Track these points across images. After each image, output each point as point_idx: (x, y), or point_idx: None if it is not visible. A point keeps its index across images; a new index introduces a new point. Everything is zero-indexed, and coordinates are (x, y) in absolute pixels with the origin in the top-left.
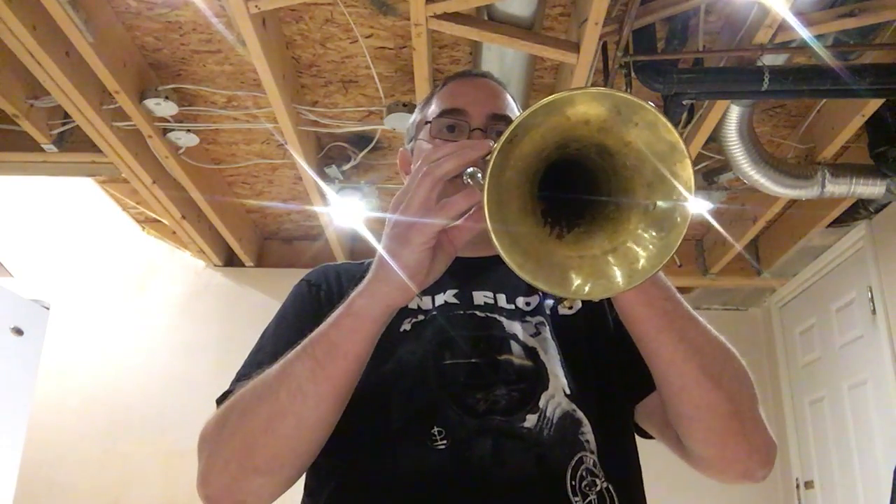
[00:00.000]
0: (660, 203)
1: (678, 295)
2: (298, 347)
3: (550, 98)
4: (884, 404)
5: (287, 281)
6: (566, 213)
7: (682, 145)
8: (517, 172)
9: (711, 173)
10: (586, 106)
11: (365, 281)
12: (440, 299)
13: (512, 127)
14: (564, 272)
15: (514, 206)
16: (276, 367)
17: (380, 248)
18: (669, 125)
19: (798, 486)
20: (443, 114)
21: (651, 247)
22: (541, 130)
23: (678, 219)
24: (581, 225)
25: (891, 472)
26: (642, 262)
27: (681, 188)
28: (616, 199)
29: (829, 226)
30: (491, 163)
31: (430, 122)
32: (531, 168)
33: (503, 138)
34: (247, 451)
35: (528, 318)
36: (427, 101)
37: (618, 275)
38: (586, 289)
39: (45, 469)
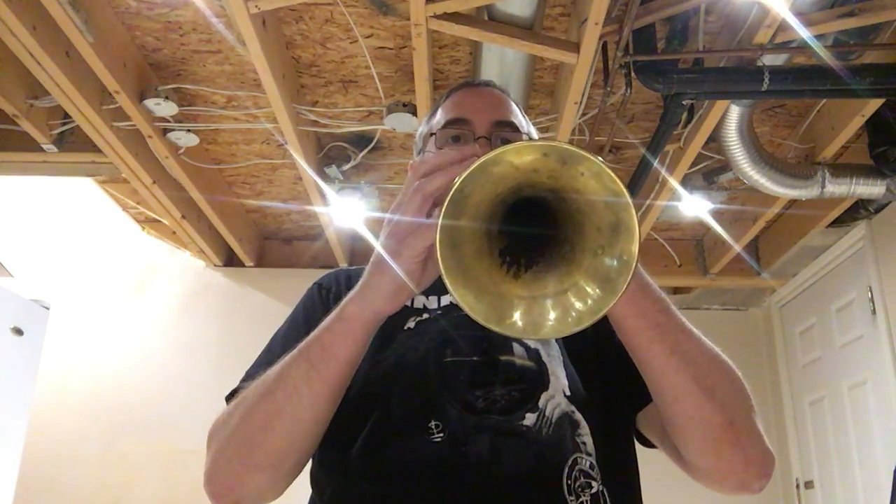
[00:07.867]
0: (606, 254)
1: (672, 307)
2: (295, 350)
3: (496, 151)
4: (884, 404)
5: (287, 281)
6: (526, 251)
7: (626, 196)
8: (471, 219)
9: (711, 173)
10: (532, 156)
11: (357, 286)
12: (445, 300)
13: (459, 180)
14: (509, 311)
15: (469, 248)
16: (275, 368)
17: (376, 249)
18: (613, 175)
19: (798, 486)
20: (447, 124)
21: (589, 301)
22: (491, 180)
23: (620, 280)
24: (540, 262)
25: (891, 472)
26: (573, 314)
27: (625, 246)
28: (571, 239)
29: (829, 226)
30: (440, 216)
31: (435, 133)
32: (486, 213)
33: (452, 191)
34: (248, 448)
35: None
36: (432, 113)
37: (550, 319)
38: (519, 324)
39: (45, 469)
